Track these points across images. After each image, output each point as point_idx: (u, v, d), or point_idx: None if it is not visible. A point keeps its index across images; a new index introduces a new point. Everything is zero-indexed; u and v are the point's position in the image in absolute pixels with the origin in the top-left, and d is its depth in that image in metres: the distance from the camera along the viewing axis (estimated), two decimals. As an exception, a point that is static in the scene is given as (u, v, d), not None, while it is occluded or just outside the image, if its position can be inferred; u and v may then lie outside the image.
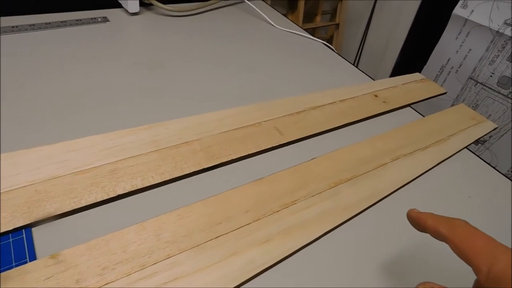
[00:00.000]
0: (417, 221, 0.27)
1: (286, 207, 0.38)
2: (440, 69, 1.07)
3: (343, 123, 0.52)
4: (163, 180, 0.38)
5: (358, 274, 0.34)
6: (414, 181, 0.46)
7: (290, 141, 0.47)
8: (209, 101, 0.52)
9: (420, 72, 0.73)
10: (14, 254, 0.30)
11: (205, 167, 0.40)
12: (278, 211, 0.37)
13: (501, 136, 1.04)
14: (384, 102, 0.59)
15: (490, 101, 1.03)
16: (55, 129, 0.43)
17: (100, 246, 0.31)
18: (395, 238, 0.38)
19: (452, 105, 1.09)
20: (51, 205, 0.33)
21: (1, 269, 0.29)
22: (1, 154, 0.37)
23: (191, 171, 0.40)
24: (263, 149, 0.45)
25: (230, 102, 0.52)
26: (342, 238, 0.37)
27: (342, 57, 0.72)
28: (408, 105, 0.60)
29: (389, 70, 1.29)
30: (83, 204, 0.34)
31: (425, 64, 1.13)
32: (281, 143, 0.46)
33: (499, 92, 1.00)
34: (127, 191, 0.36)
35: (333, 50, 0.74)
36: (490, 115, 1.04)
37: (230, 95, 0.55)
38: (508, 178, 0.49)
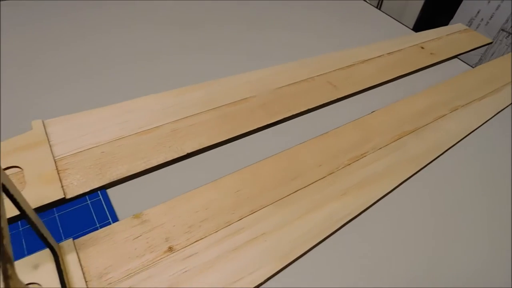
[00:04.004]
0: None
1: (357, 160, 0.37)
2: (469, 22, 1.03)
3: (394, 76, 0.50)
4: (228, 137, 0.36)
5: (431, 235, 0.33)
6: (471, 133, 0.44)
7: (346, 95, 0.45)
8: (252, 59, 0.50)
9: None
10: (96, 215, 0.29)
11: (267, 123, 0.39)
12: (349, 164, 0.36)
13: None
14: (431, 54, 0.56)
15: (520, 54, 0.99)
16: (109, 91, 0.41)
17: (181, 205, 0.30)
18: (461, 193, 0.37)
19: (480, 59, 1.06)
20: (122, 166, 0.32)
21: (87, 230, 0.28)
22: (65, 116, 0.35)
23: (254, 127, 0.38)
24: (320, 104, 0.43)
25: (274, 59, 0.50)
26: (410, 193, 0.36)
27: (379, 10, 0.68)
28: (455, 56, 0.58)
29: (410, 25, 1.23)
30: (154, 164, 0.33)
31: (451, 18, 1.08)
32: (337, 97, 0.44)
33: (530, 44, 0.96)
34: (195, 150, 0.35)
35: (367, 2, 0.70)
36: (519, 68, 1.00)
37: (272, 53, 0.52)
38: None
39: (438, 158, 0.40)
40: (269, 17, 0.61)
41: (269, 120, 0.39)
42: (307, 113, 0.42)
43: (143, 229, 0.28)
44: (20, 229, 0.27)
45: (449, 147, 0.41)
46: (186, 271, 0.26)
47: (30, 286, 0.23)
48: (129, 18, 0.55)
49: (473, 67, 0.56)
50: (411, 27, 0.64)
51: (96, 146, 0.33)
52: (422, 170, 0.38)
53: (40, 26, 0.50)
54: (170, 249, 0.27)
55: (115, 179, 0.31)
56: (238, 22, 0.58)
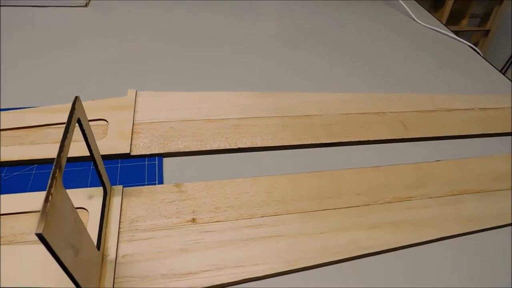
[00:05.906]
0: None
1: (400, 201, 0.35)
2: None
3: (478, 133, 0.46)
4: (281, 144, 0.39)
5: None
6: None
7: (414, 138, 0.44)
8: (332, 82, 0.52)
9: None
10: (147, 175, 0.34)
11: (323, 142, 0.40)
12: (390, 203, 0.35)
13: None
14: (535, 120, 0.50)
15: None
16: (193, 80, 0.47)
17: (216, 188, 0.33)
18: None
19: None
20: (182, 143, 0.37)
21: (136, 184, 0.33)
22: (154, 92, 0.42)
23: (308, 143, 0.40)
24: (383, 139, 0.42)
25: (354, 86, 0.51)
26: (457, 250, 0.33)
27: (490, 64, 0.63)
28: None
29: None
30: (208, 148, 0.37)
31: None
32: (404, 137, 0.43)
33: None
34: (247, 146, 0.38)
35: (480, 54, 0.66)
36: None
37: (355, 80, 0.53)
38: None
39: (503, 230, 0.36)
40: (362, 46, 0.62)
41: (325, 139, 0.40)
42: (366, 144, 0.42)
43: (178, 197, 0.32)
44: (91, 167, 0.34)
45: (519, 220, 0.37)
46: (198, 243, 0.29)
47: (80, 209, 0.29)
48: (241, 31, 0.62)
49: None
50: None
51: (168, 121, 0.39)
52: (478, 235, 0.35)
53: (168, 24, 0.59)
54: (193, 220, 0.30)
55: (173, 151, 0.36)
56: (326, 46, 0.60)
